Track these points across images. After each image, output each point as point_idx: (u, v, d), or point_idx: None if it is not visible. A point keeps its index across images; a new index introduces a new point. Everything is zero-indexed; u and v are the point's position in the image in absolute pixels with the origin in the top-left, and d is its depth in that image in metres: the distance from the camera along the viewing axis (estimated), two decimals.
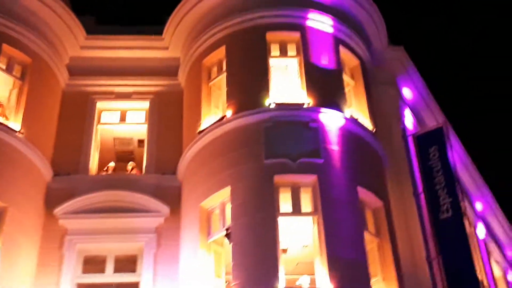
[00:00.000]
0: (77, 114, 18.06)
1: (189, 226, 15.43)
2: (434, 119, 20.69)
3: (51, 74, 18.14)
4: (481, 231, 23.09)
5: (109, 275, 15.55)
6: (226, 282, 14.96)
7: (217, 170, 15.44)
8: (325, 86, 16.65)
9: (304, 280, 15.25)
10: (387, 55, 19.62)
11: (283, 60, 17.52)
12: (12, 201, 15.19)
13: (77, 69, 18.87)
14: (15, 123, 16.42)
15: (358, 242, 14.28)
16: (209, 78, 17.76)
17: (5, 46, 17.16)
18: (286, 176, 14.86)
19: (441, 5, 54.79)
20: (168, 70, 18.99)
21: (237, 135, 15.73)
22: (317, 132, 15.55)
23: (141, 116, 18.61)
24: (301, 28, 17.57)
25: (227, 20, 17.84)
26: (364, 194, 15.24)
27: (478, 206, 24.13)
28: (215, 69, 17.82)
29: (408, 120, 19.65)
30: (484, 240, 23.09)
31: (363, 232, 14.57)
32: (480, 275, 18.08)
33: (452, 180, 17.12)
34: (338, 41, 17.81)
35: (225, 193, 15.01)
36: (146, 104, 18.53)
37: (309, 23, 17.70)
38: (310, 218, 14.60)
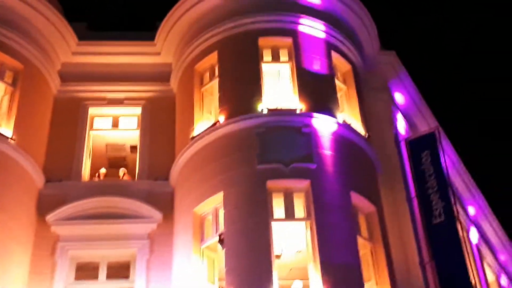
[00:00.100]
0: (69, 120, 18.02)
1: (182, 232, 15.39)
2: (426, 124, 20.74)
3: (42, 80, 18.10)
4: (474, 235, 23.12)
5: (102, 282, 15.45)
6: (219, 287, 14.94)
7: (210, 176, 15.42)
8: (318, 91, 16.67)
9: (298, 285, 15.22)
10: (379, 60, 19.68)
11: (275, 65, 17.55)
12: (4, 208, 15.12)
13: (69, 75, 18.83)
14: (7, 130, 16.37)
15: (351, 247, 14.28)
16: (202, 84, 17.76)
17: None
18: (279, 181, 14.86)
19: (433, 10, 55.01)
20: (160, 75, 18.98)
21: (229, 141, 15.72)
22: (310, 137, 15.57)
23: (134, 122, 18.58)
24: (293, 34, 17.61)
25: (219, 25, 17.85)
26: (357, 199, 15.25)
27: (471, 210, 24.17)
28: (207, 74, 17.82)
29: (400, 124, 19.69)
30: (477, 244, 23.12)
31: (356, 237, 14.58)
32: (473, 279, 18.08)
33: (444, 184, 17.15)
34: (330, 46, 17.85)
35: (218, 198, 14.99)
36: (138, 110, 18.50)
37: (301, 28, 17.74)
38: (303, 223, 14.60)
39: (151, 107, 18.46)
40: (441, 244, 16.21)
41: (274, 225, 14.33)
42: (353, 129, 16.54)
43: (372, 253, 15.18)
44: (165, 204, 16.34)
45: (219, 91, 16.86)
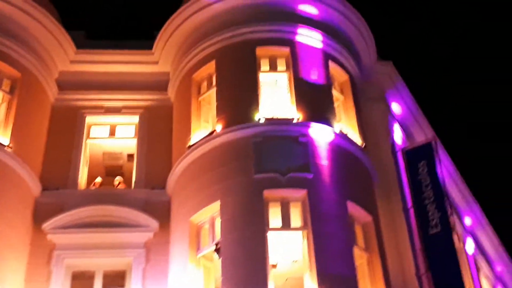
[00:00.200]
0: (66, 129, 18.02)
1: (178, 241, 15.37)
2: (423, 134, 20.77)
3: (40, 88, 18.10)
4: (470, 246, 23.11)
5: None
6: None
7: (207, 185, 15.42)
8: (315, 101, 16.71)
9: None
10: (376, 70, 19.72)
11: (273, 75, 17.59)
12: (0, 216, 15.06)
13: (67, 84, 18.85)
14: (4, 138, 16.35)
15: (348, 257, 14.27)
16: (199, 93, 17.78)
17: None
18: (276, 190, 14.87)
19: (431, 21, 55.20)
20: (158, 84, 19.00)
21: (226, 150, 15.73)
22: (307, 147, 15.58)
23: (131, 131, 18.58)
24: (290, 43, 17.65)
25: (217, 35, 17.90)
26: (353, 209, 15.25)
27: (467, 221, 24.17)
28: (205, 83, 17.85)
29: (397, 135, 19.72)
30: (473, 255, 23.11)
31: (352, 247, 14.57)
32: None
33: (441, 195, 17.16)
34: (327, 56, 17.90)
35: (215, 207, 14.99)
36: (135, 119, 18.51)
37: (298, 38, 17.79)
38: (299, 233, 14.59)
39: (148, 115, 18.47)
40: (438, 255, 16.20)
41: (271, 234, 14.34)
42: (350, 139, 16.56)
43: (368, 264, 15.17)
44: (162, 213, 16.32)
45: (216, 100, 16.88)
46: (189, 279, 14.53)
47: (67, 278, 15.48)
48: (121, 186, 17.83)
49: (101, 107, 18.57)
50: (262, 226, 14.26)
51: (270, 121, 16.02)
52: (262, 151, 15.37)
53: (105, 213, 16.11)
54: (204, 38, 18.12)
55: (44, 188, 16.65)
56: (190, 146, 16.43)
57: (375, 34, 19.51)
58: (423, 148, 18.40)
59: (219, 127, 16.17)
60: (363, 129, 17.63)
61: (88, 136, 18.34)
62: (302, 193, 14.85)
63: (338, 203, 15.04)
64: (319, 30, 18.12)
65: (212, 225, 15.00)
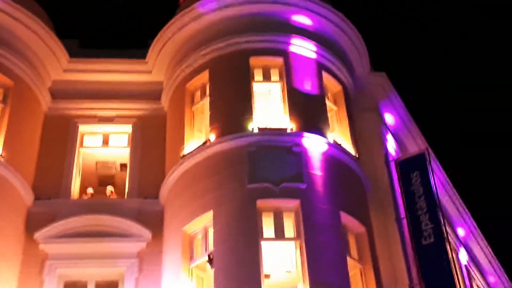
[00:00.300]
0: (59, 138, 17.96)
1: (171, 251, 15.32)
2: (416, 145, 20.82)
3: (33, 97, 18.05)
4: (463, 256, 23.14)
5: None
6: None
7: (200, 195, 15.40)
8: (308, 111, 16.73)
9: None
10: (369, 80, 19.78)
11: (266, 85, 17.61)
12: None
13: (60, 93, 18.80)
14: None
15: (341, 267, 14.26)
16: (193, 102, 17.78)
17: None
18: (269, 200, 14.85)
19: (424, 31, 55.45)
20: (151, 94, 18.99)
21: (220, 160, 15.72)
22: (300, 157, 15.59)
23: (124, 140, 18.54)
24: (284, 54, 17.69)
25: (210, 44, 17.91)
26: (346, 219, 15.25)
27: (460, 231, 24.21)
28: (198, 93, 17.85)
29: (390, 145, 19.76)
30: (466, 265, 23.15)
31: (345, 258, 14.56)
32: None
33: (434, 205, 17.18)
34: (321, 67, 17.94)
35: (208, 217, 14.95)
36: (129, 128, 18.48)
37: (292, 48, 17.83)
38: (293, 243, 14.57)
39: (141, 125, 18.44)
40: (431, 266, 16.20)
41: (264, 244, 14.30)
42: (343, 149, 16.58)
43: (361, 274, 15.17)
44: (155, 223, 16.27)
45: (210, 110, 16.88)
46: None
47: None
48: (113, 196, 17.77)
49: (94, 116, 18.52)
50: (255, 236, 14.23)
51: (263, 131, 16.03)
52: (255, 161, 15.36)
53: (98, 223, 16.04)
54: (197, 48, 18.13)
55: (37, 198, 16.58)
56: (183, 156, 16.40)
57: (368, 45, 19.59)
58: (416, 159, 18.43)
59: (212, 137, 16.16)
60: (356, 140, 17.66)
61: (81, 145, 18.29)
62: (295, 203, 14.84)
63: (331, 213, 15.03)
64: (313, 41, 18.17)
65: (205, 235, 14.96)
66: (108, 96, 18.79)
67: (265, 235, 14.46)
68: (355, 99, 18.99)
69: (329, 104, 17.68)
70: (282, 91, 17.19)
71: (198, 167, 15.92)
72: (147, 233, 16.06)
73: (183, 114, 17.47)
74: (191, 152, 16.25)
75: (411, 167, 18.13)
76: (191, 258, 14.99)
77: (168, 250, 15.49)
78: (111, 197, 17.73)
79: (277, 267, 15.77)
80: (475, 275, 24.67)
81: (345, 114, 17.92)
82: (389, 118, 20.34)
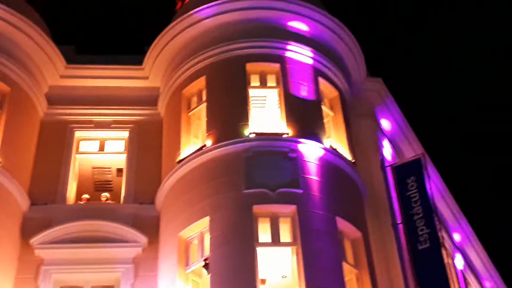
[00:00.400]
0: (55, 143, 17.95)
1: (167, 257, 15.31)
2: (412, 150, 20.86)
3: (29, 103, 18.05)
4: (459, 262, 23.15)
5: None
6: None
7: (196, 200, 15.39)
8: (305, 117, 16.75)
9: None
10: (365, 86, 19.82)
11: (263, 90, 17.63)
12: None
13: (56, 98, 18.80)
14: None
15: (337, 273, 14.25)
16: (189, 108, 17.79)
17: None
18: (265, 206, 14.85)
19: (421, 37, 55.59)
20: (148, 99, 19.00)
21: (216, 165, 15.72)
22: (296, 162, 15.60)
23: (120, 146, 18.54)
24: (280, 59, 17.72)
25: (207, 50, 17.95)
26: (343, 224, 15.26)
27: (456, 237, 24.23)
28: (195, 99, 17.87)
29: (387, 151, 19.79)
30: (462, 271, 23.15)
31: (341, 263, 14.56)
32: None
33: (430, 210, 17.20)
34: (317, 73, 17.97)
35: (204, 223, 14.95)
36: (125, 134, 18.48)
37: (288, 54, 17.87)
38: (289, 248, 14.57)
39: (138, 130, 18.45)
40: (427, 271, 16.21)
41: (260, 250, 14.30)
42: (340, 154, 16.60)
43: (357, 279, 15.15)
44: (151, 228, 16.26)
45: (206, 116, 16.90)
46: None
47: None
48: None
49: (90, 122, 18.53)
50: (251, 241, 14.23)
51: (260, 137, 16.03)
52: (251, 167, 15.37)
53: (94, 228, 16.03)
54: (194, 54, 18.16)
55: (33, 203, 16.56)
56: (179, 161, 16.41)
57: (364, 51, 19.64)
58: (412, 164, 18.47)
59: (209, 142, 16.17)
60: (352, 145, 17.68)
61: (77, 151, 18.28)
62: (291, 208, 14.85)
63: (328, 219, 15.04)
64: (309, 47, 18.21)
65: (201, 241, 14.95)
66: (104, 102, 18.80)
67: (261, 241, 14.45)
68: (351, 104, 19.03)
69: (325, 109, 17.71)
70: (279, 97, 17.22)
71: (195, 173, 15.92)
72: (143, 239, 16.05)
73: (179, 120, 17.48)
74: (187, 157, 16.25)
75: (407, 173, 18.16)
76: (187, 263, 14.98)
77: (164, 256, 15.48)
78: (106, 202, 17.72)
79: (273, 273, 15.78)
80: (471, 280, 24.68)
81: (342, 119, 17.94)
82: (385, 124, 20.38)
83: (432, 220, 17.01)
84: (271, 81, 17.62)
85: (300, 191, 15.11)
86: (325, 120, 17.30)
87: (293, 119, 16.53)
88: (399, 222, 17.43)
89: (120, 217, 16.32)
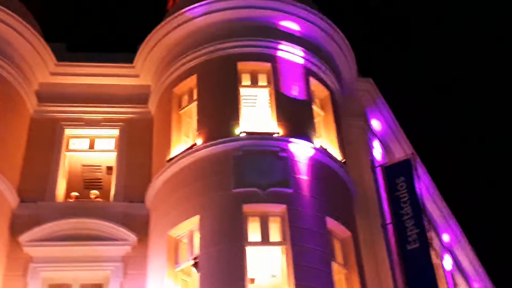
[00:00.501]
0: (45, 141, 17.88)
1: (156, 255, 15.29)
2: (402, 151, 20.94)
3: (19, 100, 17.98)
4: (448, 262, 23.25)
5: None
6: None
7: (186, 199, 15.38)
8: (295, 116, 16.76)
9: None
10: (356, 86, 19.87)
11: (254, 90, 17.61)
12: None
13: (47, 96, 18.73)
14: None
15: (326, 272, 14.28)
16: (180, 107, 17.77)
17: None
18: (255, 205, 14.86)
19: (412, 38, 55.75)
20: (139, 97, 18.97)
21: (206, 164, 15.71)
22: (287, 162, 15.61)
23: (110, 144, 18.49)
24: (272, 59, 17.72)
25: (198, 49, 17.93)
26: (332, 224, 15.28)
27: (445, 237, 24.33)
28: (185, 97, 17.85)
29: (377, 151, 19.85)
30: (451, 271, 23.25)
31: (331, 263, 14.59)
32: None
33: (419, 211, 17.27)
34: (308, 72, 17.99)
35: (194, 221, 14.94)
36: (115, 132, 18.43)
37: (280, 54, 17.87)
38: (278, 247, 14.58)
39: (128, 129, 18.41)
40: (415, 271, 16.28)
41: (250, 249, 14.30)
42: (330, 154, 16.62)
43: (346, 279, 15.19)
44: (140, 227, 16.24)
45: (197, 114, 16.87)
46: None
47: None
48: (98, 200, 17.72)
49: (80, 120, 18.47)
50: (241, 240, 14.23)
51: (250, 136, 16.03)
52: (242, 166, 15.37)
53: (83, 226, 16.00)
54: (185, 52, 18.14)
55: (22, 200, 16.49)
56: (170, 160, 16.39)
57: (355, 51, 19.69)
58: (402, 165, 18.53)
59: (199, 141, 16.16)
60: (343, 145, 17.71)
61: (67, 149, 18.22)
62: (281, 208, 14.86)
63: (317, 218, 15.06)
64: (301, 46, 18.22)
65: (191, 240, 14.94)
66: (95, 99, 18.75)
67: (250, 240, 14.46)
68: (342, 104, 19.07)
69: (316, 109, 17.73)
70: (270, 96, 17.21)
71: (185, 171, 15.90)
72: (132, 237, 16.03)
73: (170, 118, 17.46)
74: (177, 156, 16.24)
75: (396, 173, 18.23)
76: (176, 262, 14.97)
77: (153, 254, 15.46)
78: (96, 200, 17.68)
79: (263, 272, 15.79)
80: (460, 281, 24.79)
81: (332, 119, 17.97)
82: (375, 124, 20.44)
83: (421, 220, 17.09)
84: (262, 80, 17.62)
85: (290, 190, 15.12)
86: (315, 120, 17.32)
87: (284, 118, 16.53)
88: (388, 222, 17.50)
89: (110, 215, 16.29)
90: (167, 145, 16.88)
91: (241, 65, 17.50)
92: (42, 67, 18.76)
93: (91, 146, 18.50)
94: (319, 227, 14.93)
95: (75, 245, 15.68)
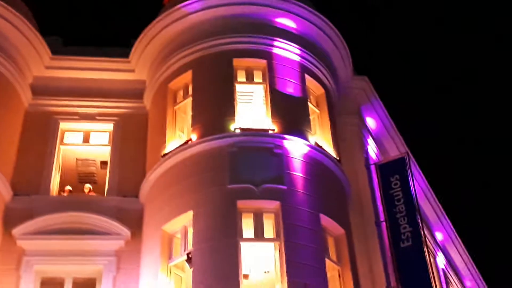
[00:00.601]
0: (40, 134, 17.84)
1: (150, 250, 15.28)
2: (397, 149, 20.99)
3: (14, 93, 17.93)
4: (441, 260, 23.33)
5: None
6: None
7: (180, 194, 15.37)
8: (290, 113, 16.77)
9: None
10: (352, 84, 19.89)
11: (249, 86, 17.61)
12: None
13: (41, 89, 18.69)
14: None
15: (319, 269, 14.30)
16: (175, 102, 17.75)
17: None
18: (249, 201, 14.86)
19: (408, 36, 55.81)
20: (134, 92, 18.93)
21: (201, 160, 15.70)
22: (281, 158, 15.62)
23: (105, 138, 18.47)
24: (267, 56, 17.72)
25: (194, 45, 17.91)
26: (326, 221, 15.30)
27: (439, 235, 24.42)
28: (181, 93, 17.83)
29: (371, 149, 19.88)
30: (443, 269, 23.34)
31: (324, 259, 14.61)
32: None
33: (413, 209, 17.32)
34: (304, 70, 17.99)
35: (188, 217, 14.94)
36: (110, 126, 18.40)
37: (275, 51, 17.87)
38: (272, 244, 14.60)
39: (123, 123, 18.38)
40: (408, 268, 16.33)
41: (243, 245, 14.31)
42: (325, 151, 16.63)
43: (339, 276, 15.22)
44: (134, 221, 16.22)
45: (192, 110, 16.86)
46: None
47: (36, 284, 15.31)
48: (91, 194, 17.69)
49: (75, 114, 18.43)
50: (234, 236, 14.24)
51: (245, 132, 16.03)
52: (236, 162, 15.37)
53: (76, 220, 15.97)
54: (181, 48, 18.11)
55: (15, 194, 16.45)
56: (164, 155, 16.37)
57: (351, 49, 19.70)
58: (396, 163, 18.58)
59: (194, 137, 16.15)
60: (337, 143, 17.73)
61: (61, 142, 18.19)
62: (275, 204, 14.87)
63: (311, 215, 15.08)
64: (296, 44, 18.22)
65: (185, 235, 14.94)
66: (89, 93, 18.71)
67: (244, 236, 14.47)
68: (337, 102, 19.09)
69: (311, 106, 17.74)
70: (265, 93, 17.22)
71: (179, 167, 15.89)
72: (126, 232, 16.02)
73: (165, 114, 17.44)
74: (172, 151, 16.22)
75: (391, 171, 18.27)
76: (169, 257, 14.97)
77: (147, 249, 15.45)
78: (89, 194, 17.65)
79: (256, 268, 15.81)
80: (452, 279, 24.88)
81: (327, 117, 17.99)
82: (370, 122, 20.48)
83: (415, 218, 17.14)
84: (258, 77, 17.61)
85: (284, 187, 15.13)
86: (310, 117, 17.33)
87: (279, 115, 16.54)
88: (382, 220, 17.55)
89: (104, 210, 16.26)
90: (161, 140, 16.87)
91: (236, 62, 17.50)
92: (37, 60, 18.70)
93: (86, 140, 18.48)
94: (313, 224, 14.95)
95: (68, 239, 15.66)
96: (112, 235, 15.94)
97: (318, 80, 18.32)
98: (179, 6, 18.44)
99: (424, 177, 23.08)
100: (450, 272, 24.59)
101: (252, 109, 17.53)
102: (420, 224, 17.11)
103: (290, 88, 17.27)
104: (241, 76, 17.55)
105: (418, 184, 21.46)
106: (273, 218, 14.82)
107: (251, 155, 15.53)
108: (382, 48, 54.07)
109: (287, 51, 17.97)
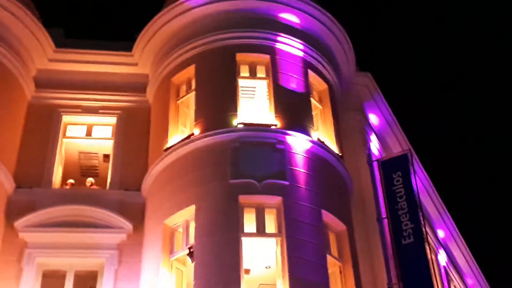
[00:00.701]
0: (42, 127, 17.86)
1: (151, 244, 15.30)
2: (399, 146, 20.96)
3: (17, 85, 17.93)
4: (442, 258, 23.33)
5: None
6: None
7: (182, 188, 15.38)
8: (293, 109, 16.75)
9: None
10: (354, 80, 19.86)
11: (252, 81, 17.59)
12: None
13: (44, 82, 18.69)
14: None
15: (321, 265, 14.31)
16: (178, 96, 17.74)
17: None
18: (251, 196, 14.87)
19: (411, 33, 55.71)
20: (137, 86, 18.94)
21: (203, 154, 15.71)
22: (284, 154, 15.61)
23: (108, 131, 18.48)
24: (271, 51, 17.69)
25: (197, 39, 17.88)
26: (328, 217, 15.30)
27: (440, 233, 24.41)
28: (184, 87, 17.82)
29: (374, 145, 19.86)
30: (445, 266, 23.34)
31: (325, 255, 14.61)
32: None
33: (414, 206, 17.29)
34: (307, 65, 17.97)
35: (190, 211, 14.95)
36: (113, 119, 18.41)
37: (279, 46, 17.84)
38: (273, 239, 14.60)
39: (126, 117, 18.38)
40: (410, 265, 16.32)
41: (245, 240, 14.33)
42: (327, 147, 16.62)
43: (341, 272, 15.23)
44: (136, 215, 16.25)
45: (195, 104, 16.86)
46: (161, 282, 14.47)
47: (38, 277, 15.35)
48: (93, 187, 17.71)
49: (78, 107, 18.44)
50: (236, 231, 14.25)
51: (248, 127, 16.02)
52: (239, 157, 15.37)
53: (79, 213, 15.99)
54: (184, 42, 18.09)
55: (18, 186, 16.48)
56: (166, 149, 16.38)
57: (354, 45, 19.67)
58: (399, 160, 18.54)
59: (196, 131, 16.14)
60: (340, 139, 17.71)
61: (64, 135, 18.20)
62: (277, 200, 14.87)
63: (313, 211, 15.08)
64: (300, 39, 18.19)
65: (186, 229, 14.96)
66: (92, 87, 18.72)
67: (246, 231, 14.48)
68: (340, 98, 19.06)
69: (314, 102, 17.72)
70: (268, 88, 17.19)
71: (181, 161, 15.90)
72: (128, 225, 16.04)
73: (167, 108, 17.43)
74: (174, 145, 16.23)
75: (393, 168, 18.24)
76: (171, 251, 14.99)
77: (149, 243, 15.48)
78: (92, 187, 17.67)
79: (257, 263, 15.83)
80: (454, 276, 24.89)
81: (330, 113, 17.96)
82: (373, 118, 20.45)
83: (417, 215, 17.11)
84: (261, 72, 17.59)
85: (287, 182, 15.13)
86: (313, 113, 17.31)
87: (282, 110, 16.52)
88: (384, 216, 17.53)
89: (106, 203, 16.28)
90: (164, 135, 16.87)
91: (239, 56, 17.47)
92: (41, 53, 18.69)
93: (88, 133, 18.48)
94: (315, 219, 14.95)
95: (70, 232, 15.69)
96: (114, 228, 15.97)
97: (321, 76, 18.30)
98: (182, 0, 18.41)
99: (426, 174, 23.07)
100: (452, 270, 24.59)
101: (254, 104, 17.52)
102: (422, 221, 17.09)
103: (293, 83, 17.25)
104: (244, 71, 17.53)
105: (420, 181, 21.44)
106: (275, 214, 14.83)
107: (254, 150, 15.53)
108: (385, 45, 54.02)
109: (291, 46, 17.95)
